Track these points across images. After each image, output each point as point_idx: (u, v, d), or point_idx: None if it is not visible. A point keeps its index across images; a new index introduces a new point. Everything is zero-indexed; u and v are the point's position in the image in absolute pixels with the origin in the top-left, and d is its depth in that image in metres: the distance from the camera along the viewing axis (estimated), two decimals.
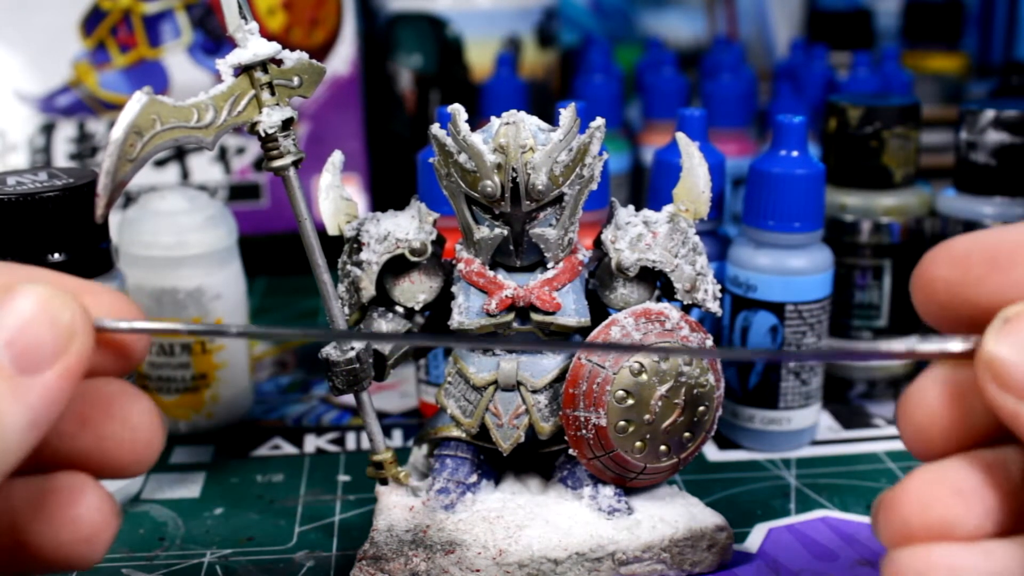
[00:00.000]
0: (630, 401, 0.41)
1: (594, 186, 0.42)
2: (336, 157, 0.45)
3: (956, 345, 0.29)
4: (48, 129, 0.75)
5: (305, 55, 0.40)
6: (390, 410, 0.59)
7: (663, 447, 0.42)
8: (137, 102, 0.36)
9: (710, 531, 0.42)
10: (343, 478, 0.52)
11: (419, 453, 0.47)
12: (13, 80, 0.74)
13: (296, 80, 0.40)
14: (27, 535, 0.29)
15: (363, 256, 0.43)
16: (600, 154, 0.41)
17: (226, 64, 0.39)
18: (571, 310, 0.42)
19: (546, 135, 0.40)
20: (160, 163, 0.76)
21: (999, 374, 0.27)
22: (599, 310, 0.43)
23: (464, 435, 0.44)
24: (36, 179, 0.45)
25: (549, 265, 0.42)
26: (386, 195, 0.85)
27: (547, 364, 0.43)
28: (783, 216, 0.51)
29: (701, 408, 0.42)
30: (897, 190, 0.58)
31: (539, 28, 0.90)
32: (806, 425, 0.54)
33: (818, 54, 0.90)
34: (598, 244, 0.44)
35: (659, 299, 0.44)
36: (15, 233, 0.43)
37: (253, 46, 0.38)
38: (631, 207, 0.44)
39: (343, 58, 0.81)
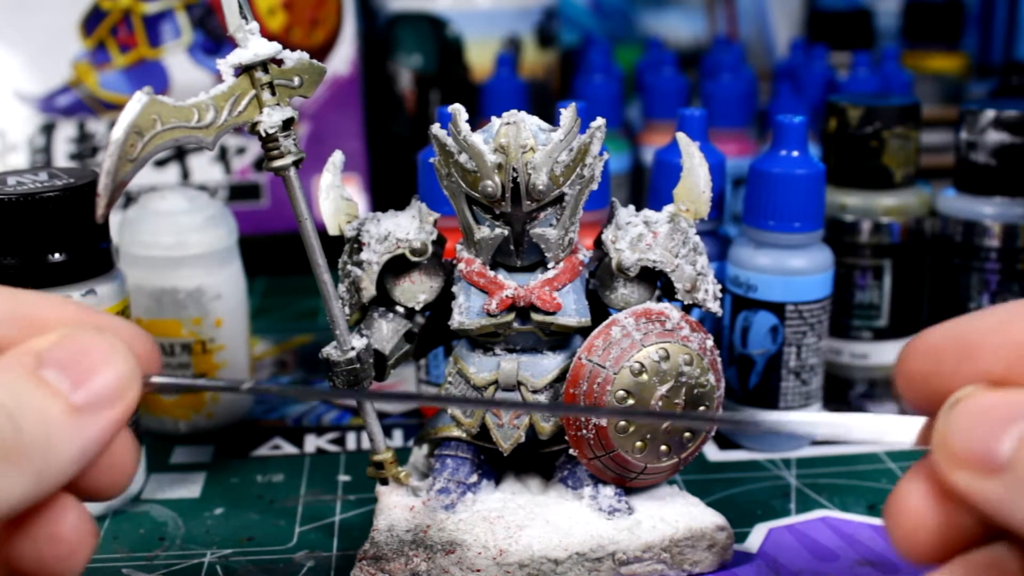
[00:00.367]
0: (630, 401, 0.41)
1: (594, 186, 0.42)
2: (336, 157, 0.45)
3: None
4: (48, 129, 0.75)
5: (305, 55, 0.40)
6: (390, 410, 0.59)
7: (663, 447, 0.42)
8: (137, 102, 0.36)
9: (710, 531, 0.42)
10: (343, 478, 0.52)
11: (419, 453, 0.47)
12: (13, 80, 0.74)
13: (296, 80, 0.40)
14: (9, 551, 0.30)
15: (363, 256, 0.43)
16: (600, 154, 0.41)
17: (226, 64, 0.38)
18: (571, 310, 0.42)
19: (546, 135, 0.40)
20: (160, 163, 0.76)
21: (952, 454, 0.28)
22: (599, 310, 0.43)
23: (464, 435, 0.44)
24: (36, 179, 0.45)
25: (549, 265, 0.42)
26: (386, 195, 0.85)
27: (547, 364, 0.43)
28: (783, 216, 0.51)
29: (701, 408, 0.42)
30: (897, 190, 0.58)
31: (539, 28, 0.90)
32: None
33: (818, 54, 0.90)
34: (598, 244, 0.44)
35: (659, 299, 0.44)
36: (15, 233, 0.43)
37: (253, 46, 0.38)
38: (631, 207, 0.44)
39: (343, 58, 0.81)
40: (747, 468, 0.52)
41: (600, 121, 0.41)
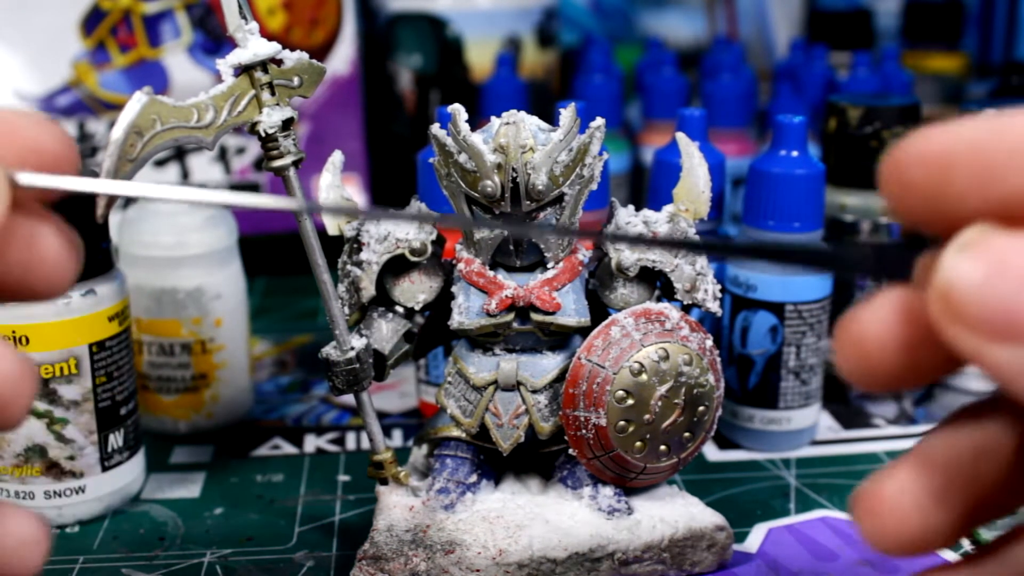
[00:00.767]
0: (630, 401, 0.41)
1: (594, 186, 0.42)
2: (336, 157, 0.45)
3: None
4: None
5: (305, 55, 0.40)
6: (390, 410, 0.59)
7: (663, 447, 0.42)
8: (137, 102, 0.36)
9: (710, 531, 0.42)
10: (343, 478, 0.52)
11: (419, 453, 0.47)
12: (13, 80, 0.74)
13: (296, 80, 0.40)
14: None
15: (363, 256, 0.43)
16: (600, 154, 0.41)
17: (226, 64, 0.38)
18: (571, 310, 0.42)
19: (546, 135, 0.40)
20: (160, 163, 0.76)
21: (958, 312, 0.23)
22: (599, 310, 0.43)
23: (464, 435, 0.44)
24: None
25: (549, 265, 0.42)
26: (386, 195, 0.85)
27: (547, 364, 0.43)
28: (783, 216, 0.51)
29: (701, 408, 0.42)
30: None
31: (539, 28, 0.90)
32: (806, 425, 0.54)
33: (818, 54, 0.90)
34: (598, 244, 0.44)
35: (659, 299, 0.44)
36: None
37: (253, 46, 0.38)
38: (631, 207, 0.44)
39: (343, 58, 0.81)
40: (747, 468, 0.52)
41: (600, 121, 0.41)
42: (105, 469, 0.47)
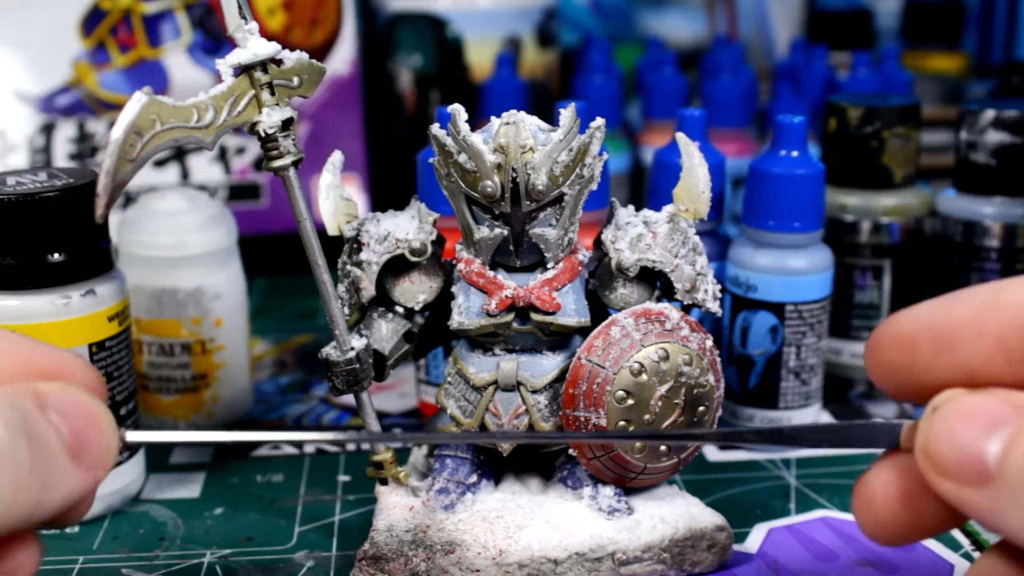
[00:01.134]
0: (630, 401, 0.41)
1: (594, 186, 0.42)
2: (336, 157, 0.45)
3: None
4: (48, 129, 0.75)
5: (305, 55, 0.40)
6: (390, 410, 0.59)
7: (663, 447, 0.42)
8: (137, 102, 0.36)
9: (710, 531, 0.42)
10: (343, 478, 0.52)
11: (419, 453, 0.47)
12: (13, 80, 0.74)
13: (296, 80, 0.40)
14: None
15: (363, 256, 0.43)
16: (600, 154, 0.41)
17: (226, 64, 0.38)
18: (571, 310, 0.42)
19: (546, 135, 0.40)
20: (160, 163, 0.76)
21: (936, 464, 0.28)
22: (599, 310, 0.43)
23: None
24: (36, 179, 0.45)
25: (549, 265, 0.42)
26: (386, 195, 0.85)
27: (547, 364, 0.43)
28: (783, 216, 0.51)
29: (701, 408, 0.42)
30: (897, 190, 0.58)
31: (539, 28, 0.90)
32: None
33: (818, 54, 0.90)
34: (598, 244, 0.44)
35: (659, 299, 0.44)
36: (15, 233, 0.43)
37: (253, 46, 0.38)
38: (631, 207, 0.44)
39: (343, 58, 0.81)
40: (747, 468, 0.52)
41: (600, 121, 0.41)
42: None
